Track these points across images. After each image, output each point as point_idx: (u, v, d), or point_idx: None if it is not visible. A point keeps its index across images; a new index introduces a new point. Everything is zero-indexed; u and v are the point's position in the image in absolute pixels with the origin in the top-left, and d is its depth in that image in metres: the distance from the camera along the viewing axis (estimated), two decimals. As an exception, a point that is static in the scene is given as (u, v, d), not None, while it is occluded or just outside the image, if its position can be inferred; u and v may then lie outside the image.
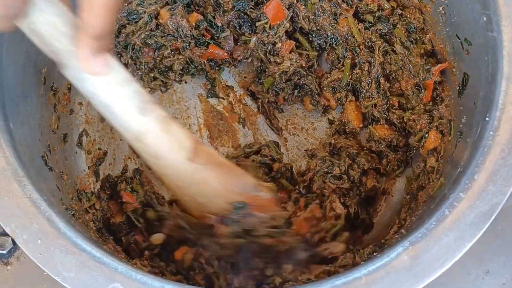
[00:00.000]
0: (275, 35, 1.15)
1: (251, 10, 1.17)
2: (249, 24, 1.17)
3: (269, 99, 1.20)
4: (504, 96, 0.82)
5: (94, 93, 0.80)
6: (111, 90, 0.80)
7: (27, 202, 0.79)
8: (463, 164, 0.84)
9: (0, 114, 0.84)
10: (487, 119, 0.83)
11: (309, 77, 1.17)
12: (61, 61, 0.77)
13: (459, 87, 0.98)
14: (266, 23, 1.15)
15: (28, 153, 0.88)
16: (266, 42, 1.16)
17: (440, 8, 1.02)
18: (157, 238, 1.03)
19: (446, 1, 1.00)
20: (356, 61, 1.14)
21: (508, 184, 0.78)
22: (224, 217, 0.90)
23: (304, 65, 1.16)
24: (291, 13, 1.16)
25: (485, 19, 0.88)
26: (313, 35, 1.18)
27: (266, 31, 1.16)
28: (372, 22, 1.12)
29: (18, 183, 0.80)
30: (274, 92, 1.19)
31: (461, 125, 0.94)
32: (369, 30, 1.12)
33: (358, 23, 1.12)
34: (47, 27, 0.74)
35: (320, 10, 1.14)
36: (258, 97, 1.21)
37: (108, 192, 1.10)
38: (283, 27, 1.14)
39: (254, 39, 1.16)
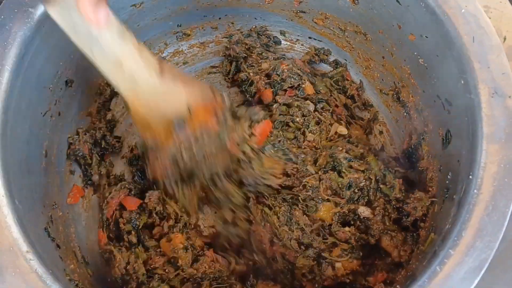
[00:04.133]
0: None
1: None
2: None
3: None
4: (485, 156, 0.85)
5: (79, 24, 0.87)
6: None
7: (34, 277, 0.81)
8: (450, 221, 0.87)
9: (6, 192, 0.86)
10: (470, 177, 0.86)
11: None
12: None
13: (443, 140, 1.02)
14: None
15: (32, 227, 0.90)
16: None
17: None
18: None
19: (426, 65, 1.05)
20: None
21: (495, 239, 0.81)
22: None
23: None
24: None
25: (462, 82, 0.92)
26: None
27: None
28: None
29: (24, 258, 0.83)
30: None
31: (447, 181, 0.98)
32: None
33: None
34: None
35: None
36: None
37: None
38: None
39: None
